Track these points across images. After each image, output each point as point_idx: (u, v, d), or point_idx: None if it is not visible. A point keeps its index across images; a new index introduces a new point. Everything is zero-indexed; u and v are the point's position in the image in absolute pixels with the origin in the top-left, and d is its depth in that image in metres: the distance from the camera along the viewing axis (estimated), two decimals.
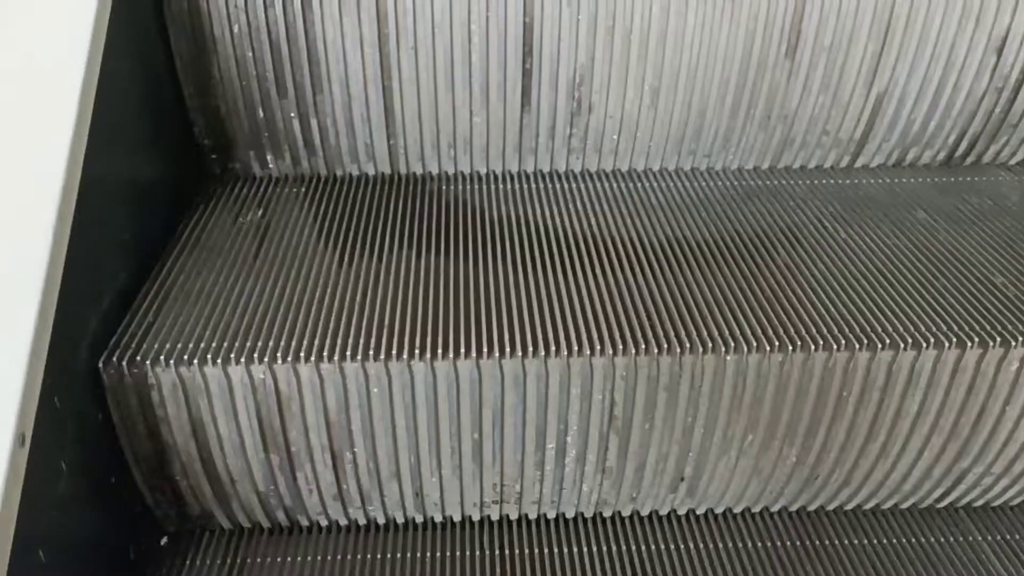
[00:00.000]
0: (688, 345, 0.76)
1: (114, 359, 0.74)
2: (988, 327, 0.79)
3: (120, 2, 0.82)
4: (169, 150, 0.98)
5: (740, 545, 0.88)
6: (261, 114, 1.02)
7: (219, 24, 0.95)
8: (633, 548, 0.88)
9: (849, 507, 0.92)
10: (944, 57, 1.01)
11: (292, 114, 1.02)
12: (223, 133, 1.03)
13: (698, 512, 0.91)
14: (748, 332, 0.78)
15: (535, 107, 1.03)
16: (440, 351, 0.75)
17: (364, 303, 0.82)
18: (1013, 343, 0.77)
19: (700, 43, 0.99)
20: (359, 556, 0.86)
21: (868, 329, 0.78)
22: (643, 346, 0.76)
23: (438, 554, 0.87)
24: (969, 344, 0.77)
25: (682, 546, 0.88)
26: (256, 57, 0.98)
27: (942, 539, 0.90)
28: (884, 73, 1.02)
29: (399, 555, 0.86)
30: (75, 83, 0.74)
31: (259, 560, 0.86)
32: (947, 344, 0.77)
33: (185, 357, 0.74)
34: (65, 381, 0.67)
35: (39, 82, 0.75)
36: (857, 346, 0.76)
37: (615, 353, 0.75)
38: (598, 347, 0.75)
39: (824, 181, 1.08)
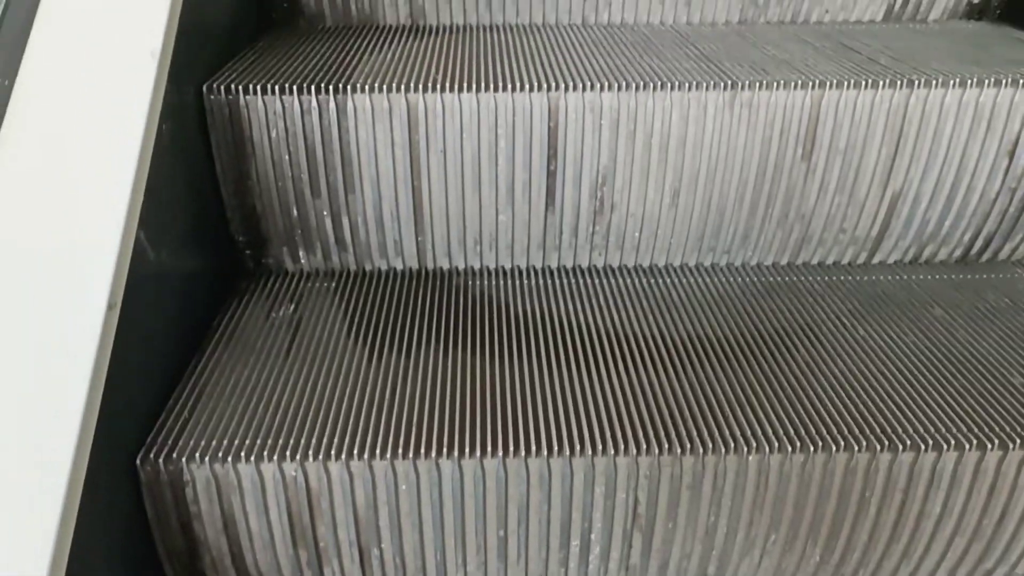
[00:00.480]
0: (710, 445, 0.78)
1: (151, 456, 0.76)
2: (1008, 428, 0.80)
3: (168, 110, 0.87)
4: (206, 247, 1.02)
5: None
6: (295, 212, 1.06)
7: (258, 130, 1.00)
8: None
9: None
10: (956, 160, 1.04)
11: (325, 212, 1.06)
12: (258, 231, 1.07)
13: None
14: (770, 432, 0.79)
15: (559, 206, 1.07)
16: (467, 450, 0.77)
17: (393, 400, 0.84)
18: None
19: (718, 147, 1.03)
20: None
21: (889, 430, 0.80)
22: (666, 446, 0.77)
23: None
24: (989, 446, 0.78)
25: None
26: (292, 160, 1.02)
27: None
28: (898, 175, 1.05)
29: None
30: (126, 184, 0.78)
31: None
32: (967, 446, 0.78)
33: (219, 454, 0.76)
34: (104, 478, 0.69)
35: (92, 182, 0.79)
36: (878, 447, 0.78)
37: (639, 453, 0.77)
38: (622, 447, 0.77)
39: (842, 277, 1.10)
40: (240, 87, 0.98)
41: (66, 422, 0.65)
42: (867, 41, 1.20)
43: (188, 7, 0.93)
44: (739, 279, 1.10)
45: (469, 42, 1.22)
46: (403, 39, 1.24)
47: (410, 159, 1.02)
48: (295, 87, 0.98)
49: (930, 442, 0.78)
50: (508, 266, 1.13)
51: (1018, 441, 0.78)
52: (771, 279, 1.10)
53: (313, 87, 0.98)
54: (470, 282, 1.10)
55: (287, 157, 1.02)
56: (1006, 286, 1.08)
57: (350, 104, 0.99)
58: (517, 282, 1.10)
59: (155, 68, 0.86)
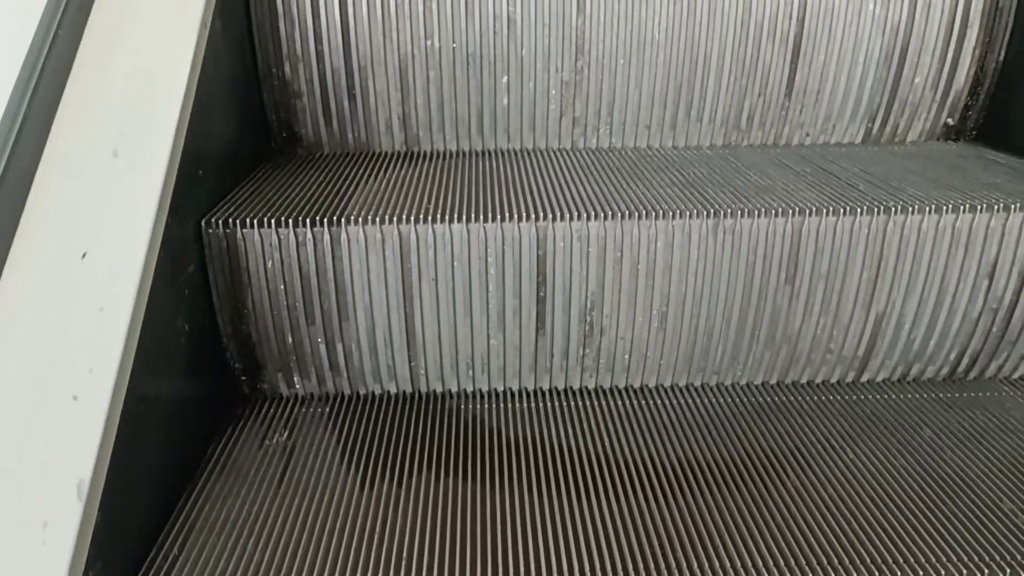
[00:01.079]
0: (700, 575, 0.77)
1: None
2: (998, 556, 0.80)
3: (168, 243, 0.89)
4: (202, 374, 1.03)
5: None
6: (290, 340, 1.08)
7: (255, 261, 1.02)
8: None
9: None
10: (937, 283, 1.06)
11: (319, 339, 1.08)
12: (254, 357, 1.09)
13: None
14: (759, 563, 0.79)
15: (549, 330, 1.09)
16: None
17: (384, 531, 0.84)
18: (1023, 572, 0.78)
19: (704, 273, 1.05)
20: None
21: (879, 559, 0.80)
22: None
23: None
24: (979, 574, 0.78)
25: None
26: (288, 289, 1.04)
27: None
28: (881, 297, 1.07)
29: None
30: (126, 309, 0.80)
31: None
32: (957, 575, 0.78)
33: None
34: None
35: (94, 305, 0.81)
36: None
37: None
38: None
39: (831, 397, 1.11)
40: (237, 221, 1.01)
41: (56, 558, 0.65)
42: (846, 165, 1.24)
43: (190, 144, 0.97)
44: (729, 399, 1.11)
45: (461, 169, 1.26)
46: (398, 166, 1.28)
47: (402, 287, 1.05)
48: (290, 220, 1.01)
49: (920, 572, 0.78)
50: (500, 388, 1.14)
51: (1008, 570, 0.78)
52: (760, 399, 1.11)
53: (308, 220, 1.01)
54: (463, 405, 1.11)
55: (283, 287, 1.04)
56: (994, 405, 1.09)
57: (344, 235, 1.02)
58: (509, 405, 1.11)
59: (156, 204, 0.89)
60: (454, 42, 1.29)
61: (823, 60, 1.31)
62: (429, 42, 1.29)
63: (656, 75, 1.32)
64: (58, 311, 0.79)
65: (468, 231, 1.02)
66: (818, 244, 1.04)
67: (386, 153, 1.37)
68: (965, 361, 1.13)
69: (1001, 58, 1.31)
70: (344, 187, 1.16)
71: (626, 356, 1.11)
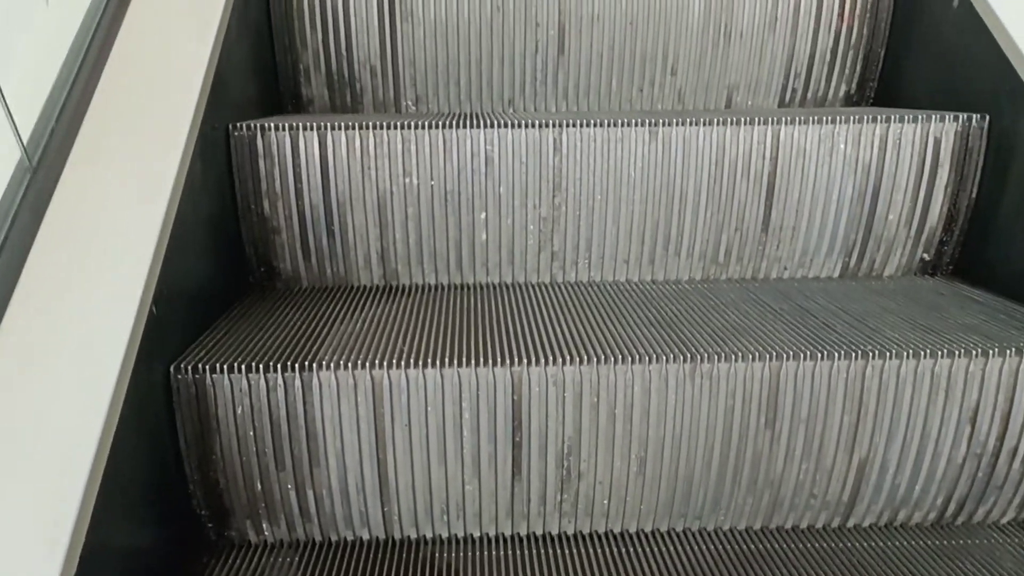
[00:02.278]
0: None
1: None
2: None
3: (135, 387, 0.87)
4: (167, 522, 1.00)
5: None
6: (259, 486, 1.04)
7: (224, 407, 1.00)
8: None
9: None
10: (919, 427, 1.05)
11: (289, 485, 1.05)
12: (221, 504, 1.06)
13: None
14: None
15: (526, 476, 1.06)
16: None
17: None
18: None
19: (682, 417, 1.04)
20: None
21: None
22: None
23: None
24: None
25: None
26: (257, 435, 1.02)
27: None
28: (863, 442, 1.05)
29: None
30: (87, 457, 0.78)
31: None
32: None
33: None
34: None
35: (56, 463, 0.78)
36: None
37: None
38: None
39: (816, 544, 1.08)
40: (207, 367, 0.99)
41: None
42: (823, 302, 1.24)
43: (163, 286, 0.96)
44: (712, 546, 1.08)
45: (438, 305, 1.25)
46: (375, 302, 1.27)
47: (375, 432, 1.03)
48: (261, 365, 1.00)
49: None
50: (476, 534, 1.10)
51: None
52: (744, 546, 1.08)
53: (279, 365, 1.00)
54: (437, 553, 1.07)
55: (252, 432, 1.02)
56: (983, 552, 1.06)
57: (315, 381, 1.00)
58: (485, 552, 1.07)
59: (123, 351, 0.87)
60: (432, 179, 1.30)
61: (797, 198, 1.33)
62: (408, 179, 1.30)
63: (633, 211, 1.33)
64: (19, 460, 0.77)
65: (442, 376, 1.01)
66: (797, 389, 1.03)
67: (365, 287, 1.36)
68: (952, 506, 1.10)
69: (973, 195, 1.33)
70: (319, 327, 1.15)
71: (605, 501, 1.08)
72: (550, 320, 1.17)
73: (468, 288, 1.35)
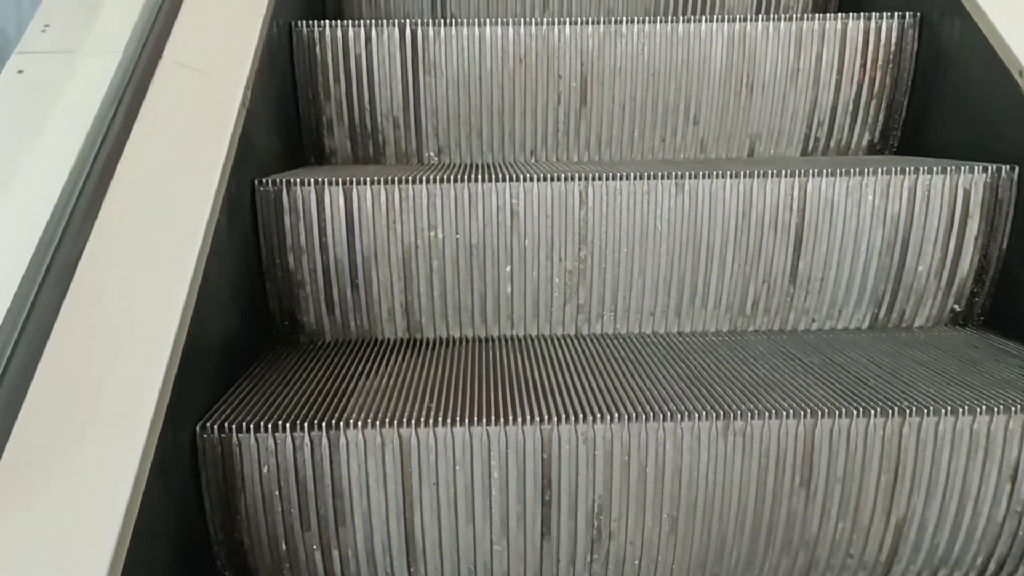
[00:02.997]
0: None
1: None
2: None
3: (163, 449, 0.86)
4: None
5: None
6: (284, 546, 1.03)
7: (249, 466, 0.99)
8: None
9: None
10: (958, 486, 1.02)
11: (314, 546, 1.03)
12: (245, 564, 1.04)
13: None
14: None
15: (555, 536, 1.04)
16: None
17: None
18: None
19: (715, 476, 1.02)
20: None
21: None
22: None
23: None
24: None
25: None
26: (283, 494, 1.00)
27: None
28: (900, 501, 1.03)
29: None
30: (115, 522, 0.76)
31: None
32: None
33: None
34: None
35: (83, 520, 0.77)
36: None
37: None
38: None
39: None
40: (233, 426, 0.98)
41: None
42: (854, 355, 1.22)
43: (190, 347, 0.95)
44: None
45: (464, 359, 1.24)
46: (400, 357, 1.26)
47: (402, 492, 1.01)
48: (287, 424, 0.99)
49: None
50: None
51: None
52: None
53: (306, 424, 0.99)
54: None
55: (277, 492, 1.00)
56: None
57: (342, 440, 0.99)
58: None
59: (151, 415, 0.86)
60: (457, 233, 1.30)
61: (825, 249, 1.31)
62: (432, 233, 1.30)
63: (660, 264, 1.32)
64: (47, 528, 0.76)
65: (470, 434, 1.00)
66: (832, 447, 1.01)
67: (389, 340, 1.35)
68: (992, 566, 1.07)
69: (1004, 247, 1.31)
70: (344, 382, 1.14)
71: (636, 561, 1.06)
72: (577, 375, 1.16)
73: (493, 341, 1.34)
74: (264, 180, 1.28)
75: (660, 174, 1.29)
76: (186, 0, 1.30)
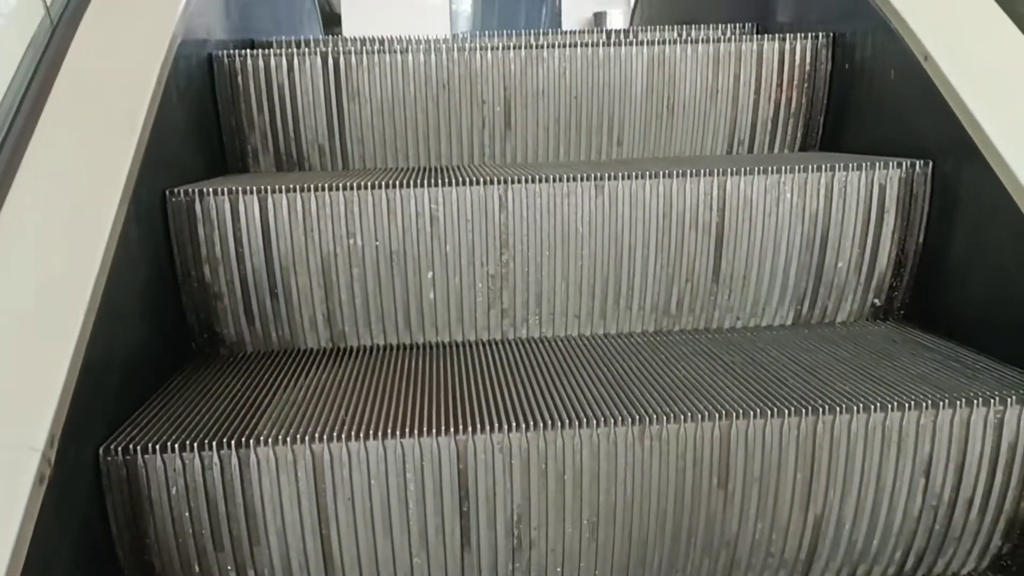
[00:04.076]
0: None
1: None
2: None
3: (60, 470, 0.83)
4: None
5: None
6: (197, 568, 1.00)
7: (157, 489, 0.97)
8: None
9: None
10: (873, 482, 1.03)
11: (229, 566, 1.01)
12: None
13: None
14: None
15: (475, 546, 1.03)
16: None
17: None
18: None
19: (633, 480, 1.01)
20: None
21: None
22: None
23: None
24: None
25: None
26: (193, 515, 0.98)
27: None
28: (817, 498, 1.03)
29: None
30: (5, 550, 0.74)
31: None
32: None
33: None
34: None
35: None
36: None
37: None
38: None
39: None
40: (138, 447, 0.95)
41: None
42: (775, 353, 1.22)
43: (92, 360, 0.92)
44: None
45: (385, 368, 1.22)
46: (321, 366, 1.24)
47: (317, 508, 0.99)
48: (195, 443, 0.96)
49: None
50: None
51: None
52: None
53: (214, 443, 0.96)
54: None
55: (187, 513, 0.98)
56: None
57: (253, 457, 0.97)
58: None
59: (47, 431, 0.83)
60: (377, 240, 1.28)
61: (746, 247, 1.32)
62: (352, 240, 1.28)
63: (582, 266, 1.32)
64: None
65: (384, 447, 0.98)
66: (748, 447, 1.01)
67: (311, 350, 1.33)
68: (911, 559, 1.08)
69: (921, 241, 1.33)
70: (260, 396, 1.11)
71: (558, 569, 1.05)
72: (498, 382, 1.14)
73: (417, 348, 1.33)
74: (176, 190, 1.25)
75: (579, 176, 1.28)
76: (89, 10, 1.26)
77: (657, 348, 1.28)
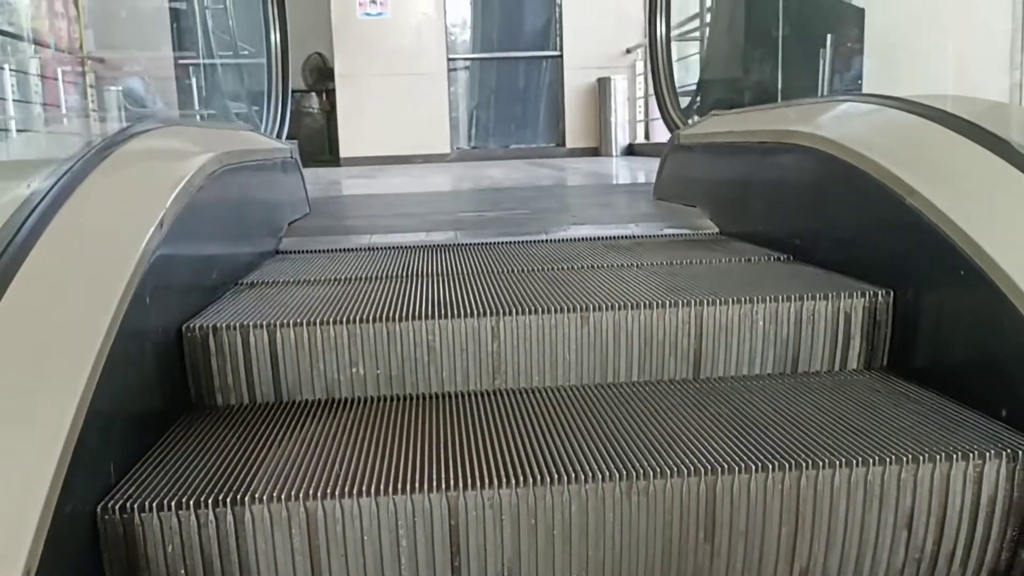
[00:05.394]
0: None
1: None
2: None
3: (57, 527, 0.84)
4: None
5: None
6: None
7: (153, 547, 0.98)
8: None
9: None
10: (857, 535, 1.05)
11: None
12: None
13: None
14: None
15: None
16: None
17: None
18: None
19: (620, 535, 1.03)
20: None
21: None
22: None
23: None
24: None
25: None
26: (189, 573, 0.99)
27: None
28: (802, 552, 1.05)
29: None
30: None
31: None
32: None
33: None
34: None
35: None
36: None
37: None
38: None
39: None
40: (135, 506, 0.97)
41: None
42: (760, 403, 1.25)
43: (94, 414, 0.94)
44: None
45: (377, 421, 1.24)
46: (314, 419, 1.26)
47: (311, 565, 1.01)
48: (191, 502, 0.98)
49: None
50: None
51: None
52: None
53: (210, 501, 0.98)
54: None
55: (183, 571, 0.99)
56: None
57: (248, 515, 0.99)
58: None
59: (47, 488, 0.85)
60: (378, 369, 1.36)
61: (721, 373, 1.41)
62: (354, 369, 1.36)
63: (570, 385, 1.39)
64: None
65: (377, 504, 1.00)
66: (734, 502, 1.03)
67: (306, 401, 1.35)
68: None
69: (884, 363, 1.42)
70: (254, 451, 1.13)
71: None
72: (488, 435, 1.17)
73: (409, 399, 1.35)
74: (191, 325, 1.32)
75: (566, 307, 1.37)
76: None
77: (646, 399, 1.30)
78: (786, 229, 1.89)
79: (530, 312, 1.36)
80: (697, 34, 6.72)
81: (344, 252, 2.14)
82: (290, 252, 2.17)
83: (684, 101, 4.36)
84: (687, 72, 6.09)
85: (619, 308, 1.36)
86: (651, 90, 7.69)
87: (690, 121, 3.55)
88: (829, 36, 4.03)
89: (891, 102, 1.68)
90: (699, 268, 1.76)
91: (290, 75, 3.78)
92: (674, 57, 4.33)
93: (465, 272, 1.76)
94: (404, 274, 1.76)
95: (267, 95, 3.78)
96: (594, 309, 1.36)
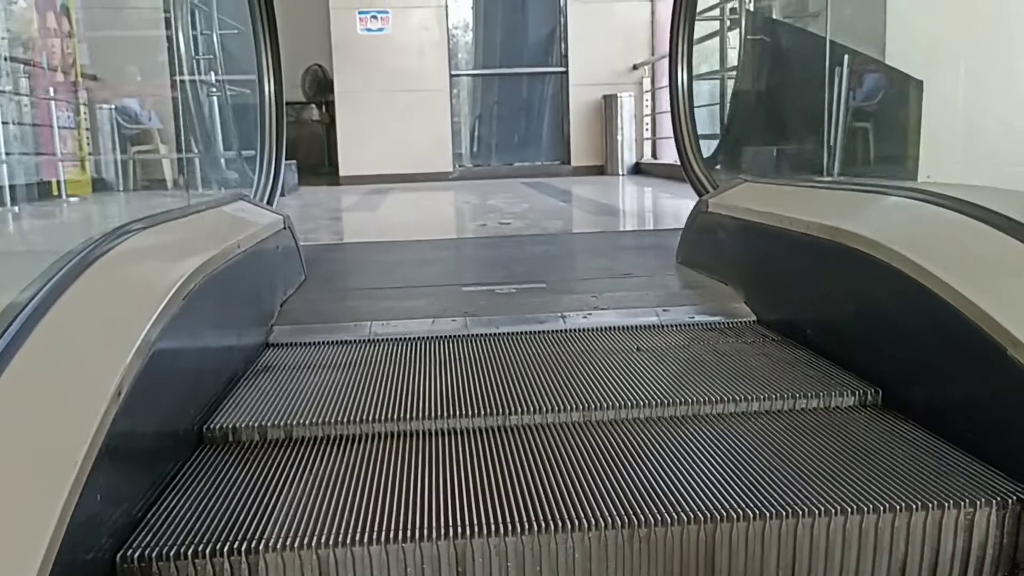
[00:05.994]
0: None
1: None
2: None
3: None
4: None
5: None
6: None
7: None
8: None
9: None
10: None
11: None
12: None
13: None
14: None
15: None
16: None
17: None
18: None
19: None
20: None
21: None
22: None
23: None
24: None
25: None
26: None
27: None
28: None
29: None
30: None
31: None
32: None
33: None
34: None
35: None
36: None
37: None
38: None
39: None
40: (153, 555, 1.00)
41: None
42: (758, 444, 1.28)
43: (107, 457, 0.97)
44: None
45: (387, 460, 1.27)
46: (327, 454, 1.30)
47: None
48: (207, 550, 1.01)
49: None
50: None
51: None
52: None
53: (225, 548, 1.01)
54: None
55: None
56: None
57: (262, 563, 1.02)
58: None
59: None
60: None
61: None
62: None
63: None
64: None
65: (387, 553, 1.03)
66: (732, 548, 1.07)
67: (315, 437, 1.39)
68: None
69: None
70: (269, 492, 1.17)
71: None
72: (493, 476, 1.20)
73: (428, 434, 1.38)
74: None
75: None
76: None
77: (653, 433, 1.33)
78: (847, 343, 1.64)
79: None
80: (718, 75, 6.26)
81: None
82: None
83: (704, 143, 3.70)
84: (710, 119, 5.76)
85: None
86: (661, 107, 7.57)
87: (713, 173, 3.28)
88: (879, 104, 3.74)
89: (977, 211, 1.41)
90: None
91: (284, 128, 3.25)
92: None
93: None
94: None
95: (259, 153, 3.27)
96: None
